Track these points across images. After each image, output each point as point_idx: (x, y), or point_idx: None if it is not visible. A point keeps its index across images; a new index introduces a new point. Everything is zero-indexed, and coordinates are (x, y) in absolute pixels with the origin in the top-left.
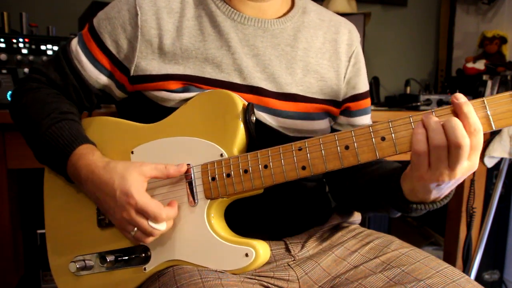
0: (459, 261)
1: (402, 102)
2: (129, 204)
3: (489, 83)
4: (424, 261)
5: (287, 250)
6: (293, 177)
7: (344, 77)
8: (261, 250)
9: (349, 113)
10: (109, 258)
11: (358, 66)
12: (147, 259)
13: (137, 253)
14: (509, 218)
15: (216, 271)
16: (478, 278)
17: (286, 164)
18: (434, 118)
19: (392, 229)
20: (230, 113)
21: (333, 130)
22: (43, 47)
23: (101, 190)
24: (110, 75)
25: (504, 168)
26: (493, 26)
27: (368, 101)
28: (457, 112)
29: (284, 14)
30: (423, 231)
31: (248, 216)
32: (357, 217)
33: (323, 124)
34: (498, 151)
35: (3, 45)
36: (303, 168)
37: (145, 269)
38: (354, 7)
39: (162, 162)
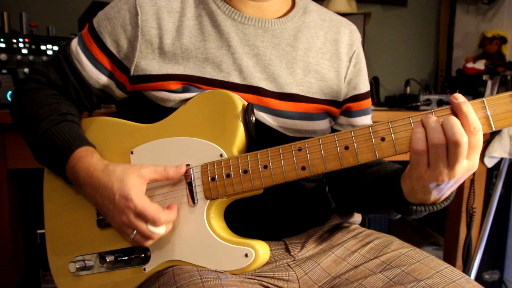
0: (459, 261)
1: (402, 102)
2: (128, 208)
3: (489, 83)
4: (424, 261)
5: (287, 250)
6: (293, 178)
7: (345, 77)
8: (261, 250)
9: (349, 113)
10: (109, 258)
11: (359, 67)
12: (146, 259)
13: (137, 253)
14: (509, 218)
15: (215, 271)
16: (478, 278)
17: (286, 165)
18: (433, 118)
19: (392, 229)
20: (229, 113)
21: (333, 130)
22: (43, 47)
23: (100, 193)
24: (110, 75)
25: (504, 168)
26: (493, 26)
27: (368, 102)
28: (456, 112)
29: (285, 14)
30: (423, 231)
31: (248, 217)
32: (357, 217)
33: (323, 124)
34: (498, 151)
35: (3, 45)
36: (303, 168)
37: (144, 269)
38: (354, 7)
39: (162, 162)
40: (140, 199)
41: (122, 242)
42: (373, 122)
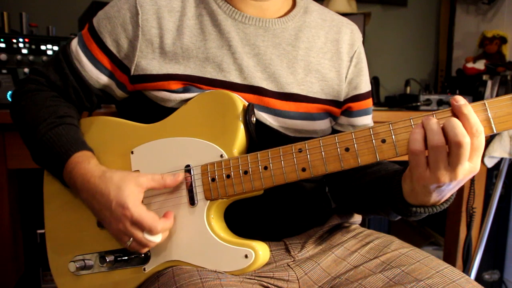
0: (459, 261)
1: (402, 102)
2: (124, 216)
3: (489, 83)
4: (424, 261)
5: (287, 250)
6: (293, 179)
7: (346, 77)
8: (261, 251)
9: (350, 113)
10: (109, 258)
11: (360, 66)
12: (146, 259)
13: (137, 253)
14: (509, 218)
15: (215, 271)
16: (478, 278)
17: (286, 166)
18: (434, 120)
19: (392, 229)
20: (230, 114)
21: (333, 130)
22: (43, 47)
23: (97, 200)
24: (110, 75)
25: (504, 168)
26: (493, 26)
27: (369, 102)
28: (457, 114)
29: (286, 14)
30: (423, 231)
31: (248, 217)
32: (357, 217)
33: (324, 124)
34: (498, 151)
35: (3, 45)
36: (303, 169)
37: (144, 269)
38: (354, 7)
39: (162, 163)
40: (137, 208)
41: None
42: (373, 122)
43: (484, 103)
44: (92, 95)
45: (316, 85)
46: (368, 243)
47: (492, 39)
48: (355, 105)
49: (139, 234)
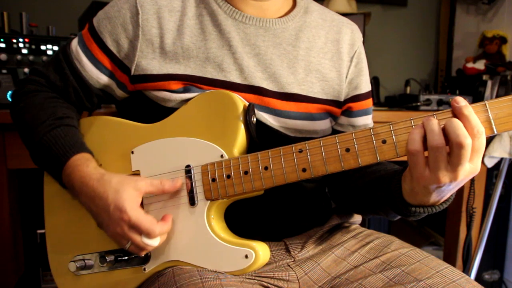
0: (459, 261)
1: (402, 102)
2: (122, 220)
3: (489, 83)
4: (424, 261)
5: (287, 250)
6: (293, 179)
7: (346, 77)
8: (261, 251)
9: (350, 113)
10: (109, 258)
11: (360, 66)
12: (146, 259)
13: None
14: (509, 218)
15: (215, 271)
16: (478, 278)
17: (287, 166)
18: (434, 120)
19: (392, 229)
20: (230, 114)
21: (333, 130)
22: (43, 47)
23: (95, 203)
24: (111, 75)
25: (504, 168)
26: (493, 26)
27: (369, 102)
28: (457, 116)
29: (286, 14)
30: (423, 231)
31: (248, 217)
32: (357, 217)
33: (324, 124)
34: (498, 151)
35: (3, 45)
36: (304, 170)
37: (144, 269)
38: (354, 7)
39: (162, 163)
40: (134, 211)
41: None
42: (373, 122)
43: (485, 104)
44: (92, 95)
45: (316, 85)
46: (368, 243)
47: (492, 39)
48: (356, 105)
49: (137, 237)
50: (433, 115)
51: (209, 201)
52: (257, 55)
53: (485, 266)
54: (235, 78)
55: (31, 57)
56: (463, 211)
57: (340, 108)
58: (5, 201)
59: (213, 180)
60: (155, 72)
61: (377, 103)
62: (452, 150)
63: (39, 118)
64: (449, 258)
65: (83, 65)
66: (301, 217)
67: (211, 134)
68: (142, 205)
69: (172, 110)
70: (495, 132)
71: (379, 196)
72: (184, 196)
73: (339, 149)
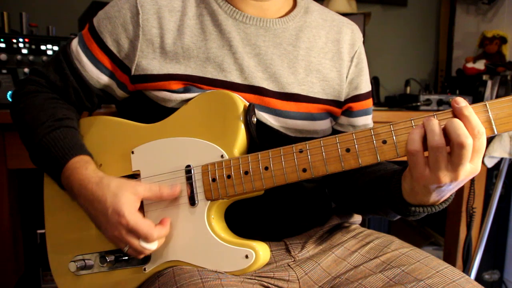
0: (459, 261)
1: (402, 102)
2: (120, 224)
3: (489, 83)
4: (424, 261)
5: (287, 250)
6: (294, 179)
7: (346, 77)
8: (261, 251)
9: (350, 113)
10: (109, 258)
11: (361, 67)
12: (147, 259)
13: None
14: (509, 218)
15: (216, 271)
16: (478, 278)
17: (287, 166)
18: (435, 121)
19: (392, 229)
20: (230, 114)
21: (333, 130)
22: (43, 47)
23: (94, 206)
24: (111, 75)
25: (504, 168)
26: (493, 26)
27: (369, 102)
28: (458, 116)
29: (286, 14)
30: (423, 231)
31: (248, 217)
32: (357, 217)
33: (325, 124)
34: (498, 151)
35: (3, 45)
36: (304, 170)
37: (145, 269)
38: (354, 7)
39: (163, 163)
40: (132, 215)
41: None
42: (373, 122)
43: (485, 104)
44: (93, 95)
45: (317, 85)
46: (368, 243)
47: (492, 39)
48: (356, 105)
49: (135, 241)
50: (434, 115)
51: (209, 201)
52: (257, 55)
53: (485, 266)
54: (235, 78)
55: (31, 57)
56: (463, 211)
57: (341, 108)
58: (5, 201)
59: (214, 180)
60: (155, 72)
61: (377, 103)
62: (453, 150)
63: (39, 119)
64: (449, 258)
65: (84, 65)
66: (301, 217)
67: (211, 134)
68: (142, 205)
69: (172, 110)
70: (496, 133)
71: (378, 195)
72: (184, 196)
73: (339, 149)
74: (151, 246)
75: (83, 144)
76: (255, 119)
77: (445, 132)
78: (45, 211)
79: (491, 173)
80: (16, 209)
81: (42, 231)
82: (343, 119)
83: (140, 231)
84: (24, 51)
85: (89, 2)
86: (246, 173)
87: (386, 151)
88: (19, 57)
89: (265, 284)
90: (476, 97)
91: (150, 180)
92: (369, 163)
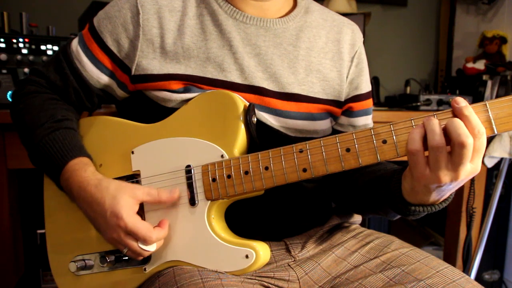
0: (459, 261)
1: (402, 102)
2: (118, 226)
3: (489, 83)
4: (424, 261)
5: (287, 250)
6: (294, 179)
7: (347, 77)
8: (261, 251)
9: (350, 113)
10: (109, 258)
11: (361, 67)
12: (147, 260)
13: None
14: (509, 218)
15: (216, 271)
16: (478, 278)
17: (287, 166)
18: (435, 120)
19: (392, 229)
20: (230, 114)
21: (333, 130)
22: (43, 47)
23: (93, 208)
24: (111, 75)
25: (504, 168)
26: (493, 26)
27: (370, 102)
28: (458, 116)
29: (287, 14)
30: (423, 231)
31: (248, 217)
32: (357, 217)
33: (325, 124)
34: (498, 151)
35: (3, 45)
36: (304, 170)
37: (145, 269)
38: (354, 7)
39: (163, 163)
40: (131, 218)
41: None
42: (373, 122)
43: (485, 104)
44: (93, 95)
45: (317, 85)
46: (368, 243)
47: (492, 39)
48: (356, 105)
49: (133, 244)
50: (434, 115)
51: (209, 201)
52: (257, 55)
53: (485, 266)
54: (235, 78)
55: (31, 57)
56: (463, 211)
57: (341, 108)
58: (5, 201)
59: (214, 180)
60: (155, 72)
61: (377, 103)
62: (453, 150)
63: (39, 120)
64: (449, 258)
65: (84, 65)
66: (301, 217)
67: (211, 134)
68: (142, 205)
69: (172, 110)
70: (496, 132)
71: (378, 195)
72: (184, 197)
73: (339, 149)
74: (150, 248)
75: (82, 146)
76: (255, 119)
77: (446, 131)
78: (45, 211)
79: (491, 173)
80: (16, 209)
81: (42, 231)
82: (343, 119)
83: (138, 234)
84: (24, 51)
85: (89, 2)
86: (246, 173)
87: (386, 151)
88: (19, 57)
89: (266, 284)
90: (476, 97)
91: (150, 180)
92: (369, 163)
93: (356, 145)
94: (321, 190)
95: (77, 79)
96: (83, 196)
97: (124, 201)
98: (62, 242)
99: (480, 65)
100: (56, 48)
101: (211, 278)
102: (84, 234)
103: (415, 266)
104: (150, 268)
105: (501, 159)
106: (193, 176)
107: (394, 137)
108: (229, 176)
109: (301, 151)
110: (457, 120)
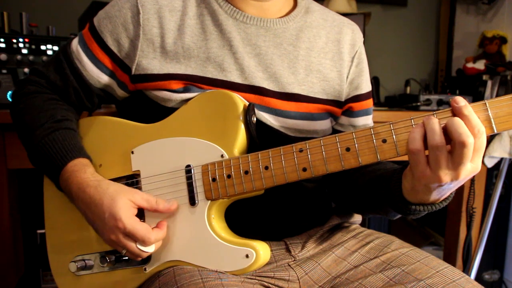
0: (459, 261)
1: (402, 102)
2: (117, 228)
3: (489, 83)
4: (424, 261)
5: (288, 250)
6: (294, 179)
7: (347, 77)
8: (262, 251)
9: (351, 113)
10: (109, 258)
11: (361, 67)
12: (147, 259)
13: None
14: (509, 218)
15: (216, 271)
16: (478, 278)
17: (287, 166)
18: (435, 120)
19: (392, 229)
20: (230, 114)
21: (334, 130)
22: (43, 47)
23: (91, 210)
24: (111, 74)
25: (504, 168)
26: (493, 26)
27: (370, 102)
28: (457, 116)
29: (287, 14)
30: (423, 231)
31: (249, 217)
32: (357, 217)
33: (325, 124)
34: (498, 151)
35: (3, 45)
36: (304, 169)
37: (145, 269)
38: (354, 7)
39: (163, 163)
40: (129, 219)
41: None
42: (373, 122)
43: (485, 103)
44: (93, 95)
45: (317, 85)
46: (368, 243)
47: (492, 39)
48: (356, 105)
49: (132, 245)
50: (433, 114)
51: (209, 201)
52: (257, 55)
53: (485, 266)
54: (235, 78)
55: (31, 57)
56: (463, 211)
57: (341, 108)
58: (5, 201)
59: (214, 180)
60: (155, 72)
61: (377, 103)
62: (454, 149)
63: (38, 121)
64: (449, 258)
65: (84, 64)
66: (301, 216)
67: (211, 134)
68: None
69: (172, 110)
70: (495, 131)
71: (378, 194)
72: (184, 196)
73: (339, 149)
74: (149, 249)
75: (82, 147)
76: (255, 119)
77: (446, 131)
78: (45, 211)
79: (491, 173)
80: (16, 209)
81: (42, 231)
82: (344, 119)
83: (137, 235)
84: (24, 51)
85: (89, 2)
86: (246, 172)
87: (386, 150)
88: (19, 57)
89: (266, 283)
90: (476, 97)
91: (150, 180)
92: (369, 162)
93: (356, 145)
94: (321, 190)
95: (77, 79)
96: (82, 197)
97: (123, 203)
98: (62, 242)
99: (480, 65)
100: (56, 48)
101: (211, 278)
102: (84, 234)
103: (415, 266)
104: (150, 268)
105: (501, 159)
106: (193, 176)
107: (394, 136)
108: (229, 176)
109: (301, 151)
110: (457, 119)
